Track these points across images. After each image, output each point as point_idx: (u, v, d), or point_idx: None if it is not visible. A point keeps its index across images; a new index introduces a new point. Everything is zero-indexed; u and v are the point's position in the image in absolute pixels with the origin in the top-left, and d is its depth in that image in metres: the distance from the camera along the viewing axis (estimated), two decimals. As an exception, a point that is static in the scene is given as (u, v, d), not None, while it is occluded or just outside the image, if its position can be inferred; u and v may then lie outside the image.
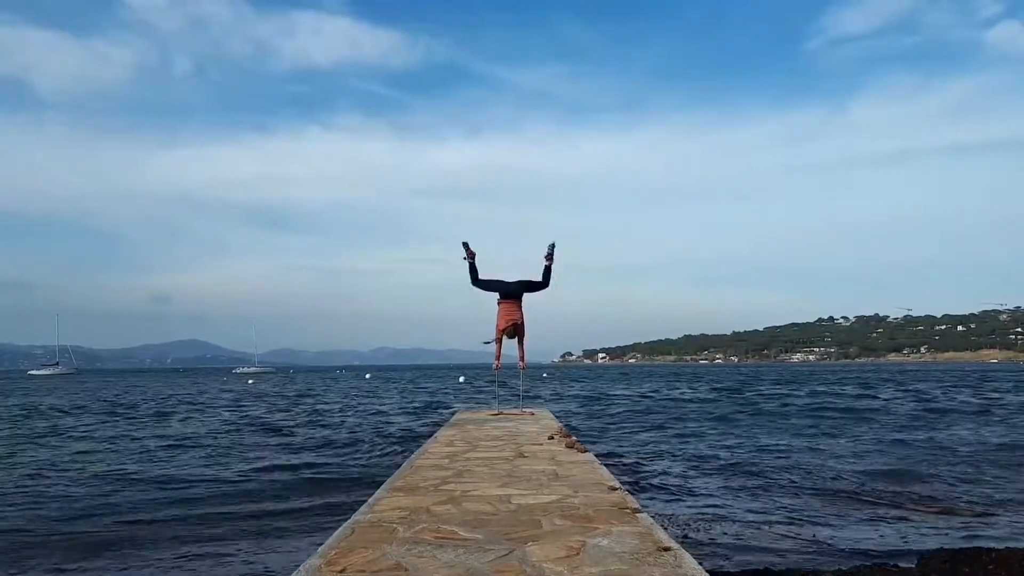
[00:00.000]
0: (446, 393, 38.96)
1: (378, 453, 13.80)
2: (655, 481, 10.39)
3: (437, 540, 3.53)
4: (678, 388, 43.47)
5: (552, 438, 7.84)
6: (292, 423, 20.68)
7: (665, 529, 3.77)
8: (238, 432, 18.19)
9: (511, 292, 10.62)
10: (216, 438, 16.76)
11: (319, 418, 22.43)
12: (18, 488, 10.21)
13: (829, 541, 7.14)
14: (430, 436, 9.31)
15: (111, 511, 8.68)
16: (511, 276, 10.87)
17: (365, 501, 4.65)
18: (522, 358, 11.11)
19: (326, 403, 30.82)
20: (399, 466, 6.52)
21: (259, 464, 12.44)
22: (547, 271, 10.77)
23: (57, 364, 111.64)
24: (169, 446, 15.23)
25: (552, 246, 10.74)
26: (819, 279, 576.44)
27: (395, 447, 14.41)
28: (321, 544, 3.51)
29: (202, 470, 11.83)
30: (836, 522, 7.93)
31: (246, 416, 23.72)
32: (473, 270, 10.69)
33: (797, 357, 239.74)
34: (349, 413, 24.43)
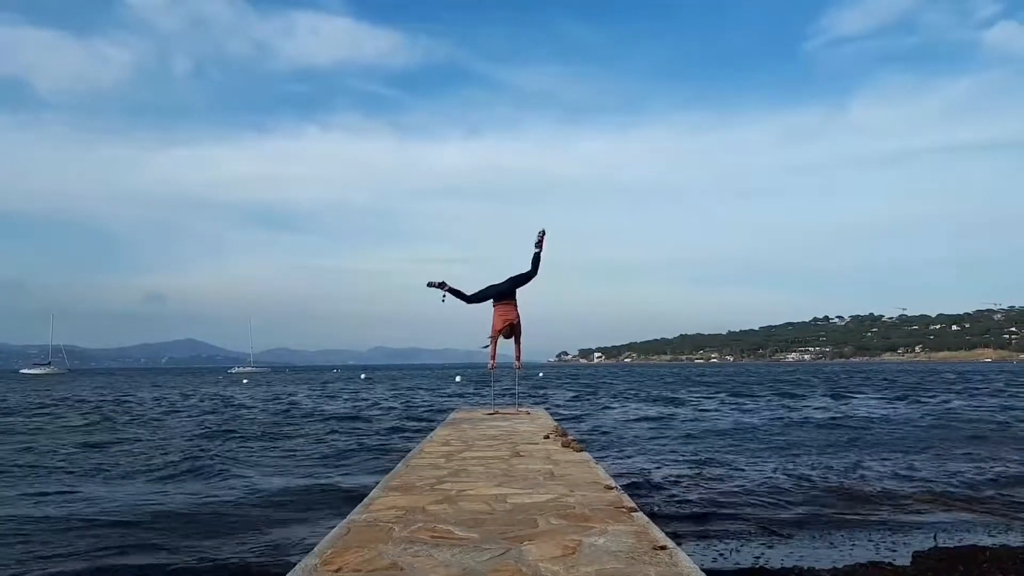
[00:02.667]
0: (444, 393, 38.89)
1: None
2: (650, 480, 10.40)
3: (433, 539, 3.51)
4: (677, 389, 43.48)
5: (548, 437, 7.82)
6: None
7: (660, 528, 3.76)
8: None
9: (504, 292, 10.57)
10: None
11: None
12: None
13: (823, 539, 7.16)
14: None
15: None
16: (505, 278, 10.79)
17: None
18: (518, 357, 11.10)
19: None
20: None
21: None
22: (536, 258, 10.63)
23: (49, 364, 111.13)
24: None
25: (542, 233, 10.67)
26: (815, 279, 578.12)
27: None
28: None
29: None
30: (830, 521, 7.94)
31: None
32: (458, 294, 10.57)
33: (792, 357, 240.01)
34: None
